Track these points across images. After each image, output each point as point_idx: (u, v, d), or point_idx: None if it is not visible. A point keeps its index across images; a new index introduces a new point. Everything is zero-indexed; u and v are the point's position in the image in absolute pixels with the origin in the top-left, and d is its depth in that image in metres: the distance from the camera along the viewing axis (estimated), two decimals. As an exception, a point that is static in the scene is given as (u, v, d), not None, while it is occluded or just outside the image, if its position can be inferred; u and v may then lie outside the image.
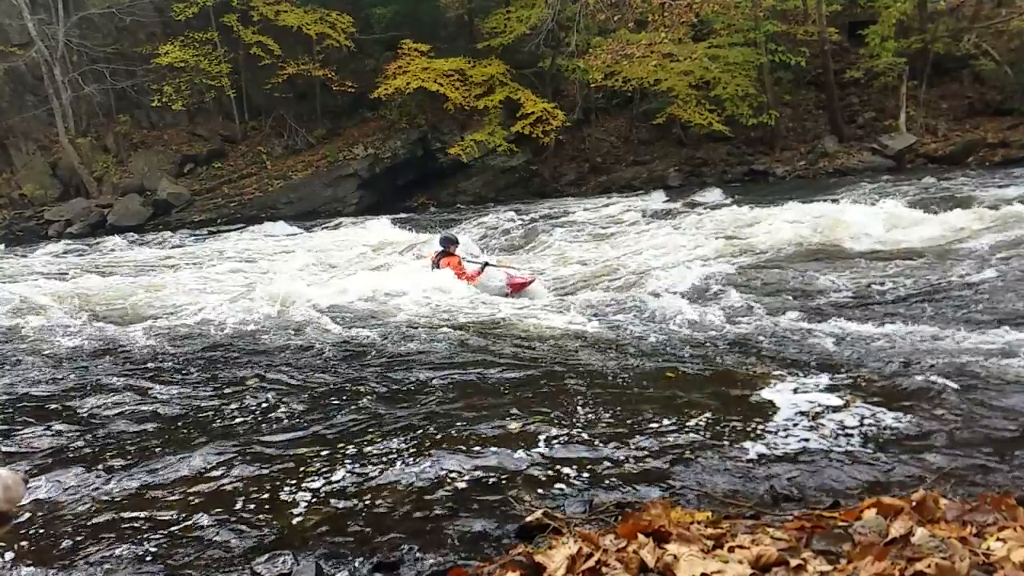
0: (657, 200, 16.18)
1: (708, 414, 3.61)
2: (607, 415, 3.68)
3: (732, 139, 19.80)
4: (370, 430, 3.67)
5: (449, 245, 8.47)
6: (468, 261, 8.27)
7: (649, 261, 9.08)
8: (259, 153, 21.47)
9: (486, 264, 8.09)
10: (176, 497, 3.00)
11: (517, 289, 7.77)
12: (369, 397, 4.22)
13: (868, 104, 20.17)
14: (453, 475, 3.04)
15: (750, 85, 19.18)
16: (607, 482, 2.92)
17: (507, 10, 21.12)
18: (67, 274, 10.86)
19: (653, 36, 17.51)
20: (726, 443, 3.26)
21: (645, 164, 20.49)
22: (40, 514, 2.92)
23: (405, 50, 20.32)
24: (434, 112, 20.69)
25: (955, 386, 3.82)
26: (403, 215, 18.19)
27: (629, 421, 3.60)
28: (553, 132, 19.59)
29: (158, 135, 21.99)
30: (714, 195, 16.21)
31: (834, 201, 11.67)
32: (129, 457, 3.50)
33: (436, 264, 8.26)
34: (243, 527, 2.69)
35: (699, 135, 19.84)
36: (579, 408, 3.80)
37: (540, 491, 2.85)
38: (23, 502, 2.91)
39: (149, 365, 5.22)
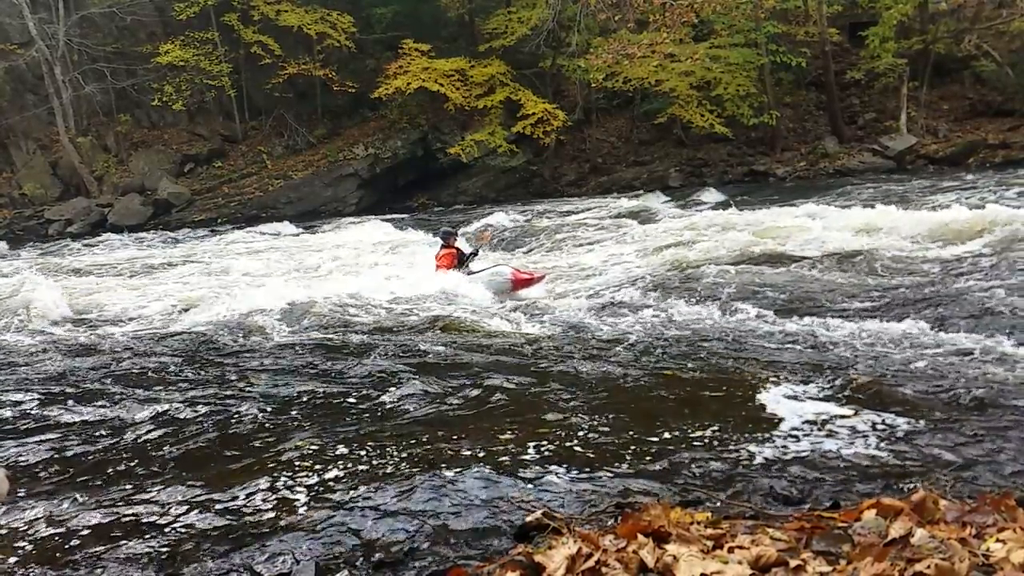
0: (654, 200, 16.22)
1: (706, 415, 3.61)
2: (604, 415, 3.68)
3: (733, 140, 19.81)
4: (366, 432, 3.67)
5: (448, 238, 8.56)
6: (468, 257, 8.30)
7: (638, 262, 9.09)
8: (259, 153, 21.48)
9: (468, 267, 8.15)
10: (173, 498, 2.99)
11: (521, 286, 7.69)
12: (363, 399, 4.22)
13: (869, 105, 20.18)
14: (452, 475, 3.04)
15: (751, 85, 19.18)
16: (606, 482, 2.92)
17: (508, 11, 21.12)
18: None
19: (654, 36, 17.51)
20: (725, 443, 3.26)
21: (645, 165, 20.50)
22: (37, 515, 2.91)
23: (406, 50, 20.34)
24: (434, 112, 20.70)
25: (954, 387, 3.82)
26: (404, 215, 18.23)
27: (627, 422, 3.60)
28: (554, 132, 19.60)
29: (158, 134, 22.01)
30: (711, 196, 16.26)
31: (829, 203, 11.69)
32: (123, 458, 3.49)
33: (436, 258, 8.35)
34: (241, 528, 2.69)
35: (700, 135, 19.85)
36: (577, 409, 3.80)
37: (539, 491, 2.85)
38: (6, 496, 2.93)
39: (136, 368, 5.21)
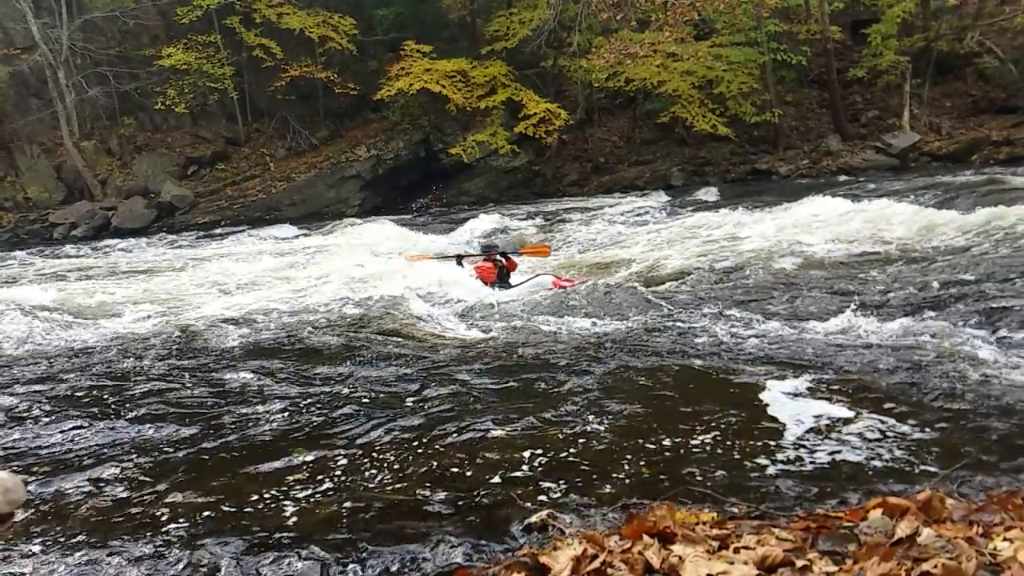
0: (654, 200, 16.26)
1: (708, 415, 3.60)
2: (608, 416, 3.68)
3: (735, 139, 19.78)
4: (368, 433, 3.67)
5: (490, 251, 8.51)
6: (493, 258, 8.28)
7: (633, 262, 9.08)
8: (262, 155, 21.52)
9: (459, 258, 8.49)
10: (177, 499, 3.00)
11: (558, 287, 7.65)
12: (362, 401, 4.22)
13: (871, 103, 20.12)
14: (456, 476, 3.04)
15: (754, 82, 19.14)
16: (610, 483, 2.91)
17: (509, 12, 21.12)
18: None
19: (656, 36, 17.52)
20: (728, 444, 3.25)
21: (648, 164, 20.47)
22: (40, 516, 2.93)
23: (407, 51, 20.35)
24: (436, 113, 20.71)
25: (960, 385, 3.81)
26: (407, 216, 18.25)
27: (628, 422, 3.60)
28: (555, 132, 19.58)
29: (162, 138, 22.05)
30: (712, 195, 16.28)
31: (828, 201, 11.62)
32: (128, 459, 3.50)
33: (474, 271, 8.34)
34: (246, 529, 2.70)
35: (702, 135, 19.82)
36: (580, 409, 3.80)
37: (544, 492, 2.85)
38: (23, 503, 2.95)
39: (135, 369, 5.22)
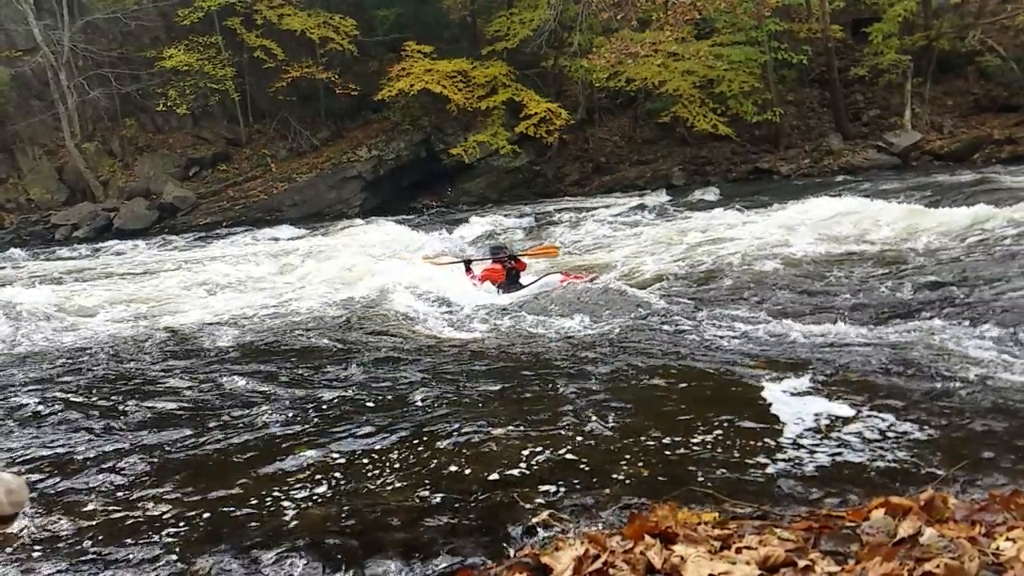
0: (655, 200, 16.28)
1: (710, 415, 3.60)
2: (608, 416, 3.67)
3: (736, 138, 19.76)
4: (369, 434, 3.67)
5: (497, 252, 8.48)
6: (513, 267, 8.22)
7: (630, 263, 9.07)
8: (263, 156, 21.53)
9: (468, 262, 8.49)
10: (178, 500, 3.00)
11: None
12: (362, 402, 4.22)
13: (873, 102, 20.10)
14: (457, 477, 3.04)
15: (755, 81, 19.12)
16: (612, 483, 2.91)
17: (510, 12, 21.11)
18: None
19: (656, 35, 17.51)
20: (729, 443, 3.25)
21: (649, 163, 20.46)
22: (44, 517, 2.93)
23: (408, 52, 20.36)
24: (437, 113, 20.71)
25: (963, 385, 3.80)
26: (408, 217, 18.25)
27: (630, 422, 3.60)
28: (556, 132, 19.57)
29: (163, 139, 22.07)
30: (713, 195, 16.30)
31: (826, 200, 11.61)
32: (129, 460, 3.51)
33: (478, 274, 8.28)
34: (246, 530, 2.70)
35: (703, 134, 19.80)
36: (580, 409, 3.79)
37: (544, 492, 2.85)
38: (26, 504, 2.95)
39: (133, 370, 5.23)
